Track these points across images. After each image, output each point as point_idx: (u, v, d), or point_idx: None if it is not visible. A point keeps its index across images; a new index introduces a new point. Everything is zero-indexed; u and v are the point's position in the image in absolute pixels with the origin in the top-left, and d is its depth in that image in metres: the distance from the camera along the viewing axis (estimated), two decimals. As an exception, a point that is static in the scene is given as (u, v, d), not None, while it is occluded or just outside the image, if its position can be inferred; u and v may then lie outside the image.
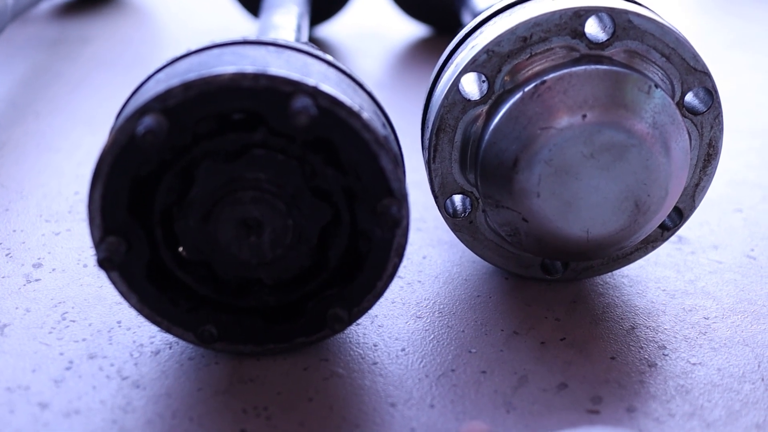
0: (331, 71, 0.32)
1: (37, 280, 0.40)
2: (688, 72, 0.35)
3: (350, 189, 0.32)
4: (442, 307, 0.38)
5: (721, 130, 0.36)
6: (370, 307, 0.33)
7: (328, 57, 0.33)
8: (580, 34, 0.34)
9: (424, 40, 0.76)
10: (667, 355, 0.35)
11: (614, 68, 0.33)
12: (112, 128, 0.33)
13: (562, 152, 0.33)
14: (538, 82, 0.33)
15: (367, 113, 0.31)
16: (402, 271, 0.40)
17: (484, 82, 0.35)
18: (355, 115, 0.30)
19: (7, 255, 0.42)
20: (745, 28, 0.82)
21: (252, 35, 0.47)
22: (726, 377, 0.34)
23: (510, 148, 0.34)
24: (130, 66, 0.69)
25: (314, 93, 0.30)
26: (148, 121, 0.29)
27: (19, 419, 0.31)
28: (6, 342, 0.35)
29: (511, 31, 0.34)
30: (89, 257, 0.42)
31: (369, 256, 0.32)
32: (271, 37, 0.32)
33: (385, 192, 0.31)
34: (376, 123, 0.31)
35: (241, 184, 0.31)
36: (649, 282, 0.40)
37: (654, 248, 0.39)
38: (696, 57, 0.35)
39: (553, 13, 0.34)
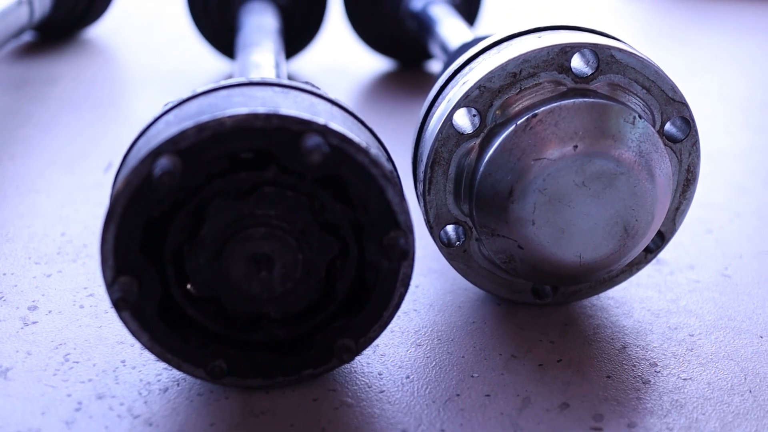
0: (336, 109, 0.33)
1: (34, 323, 0.40)
2: (667, 102, 0.37)
3: (358, 222, 0.33)
4: (440, 334, 0.39)
5: (698, 157, 0.39)
6: (377, 336, 0.34)
7: (331, 96, 0.34)
8: (567, 69, 0.36)
9: (389, 73, 0.78)
10: (658, 371, 0.36)
11: (600, 101, 0.35)
12: (121, 170, 0.33)
13: (555, 181, 0.35)
14: (529, 115, 0.35)
15: (374, 149, 0.32)
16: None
17: (475, 116, 0.37)
18: (363, 152, 0.31)
19: (0, 299, 0.41)
20: (694, 57, 0.86)
21: (256, 76, 0.48)
22: (716, 390, 0.35)
23: (505, 178, 0.35)
24: (98, 105, 0.69)
25: (324, 131, 0.31)
26: (163, 162, 0.30)
27: (35, 462, 0.31)
28: (11, 386, 0.35)
29: (501, 68, 0.36)
30: (84, 298, 0.42)
31: (376, 287, 0.33)
32: (274, 78, 0.34)
33: (392, 225, 0.32)
34: (382, 158, 0.32)
35: (252, 221, 0.32)
36: (634, 303, 0.41)
37: (638, 270, 0.40)
38: (674, 88, 0.37)
39: (541, 49, 0.36)
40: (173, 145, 0.30)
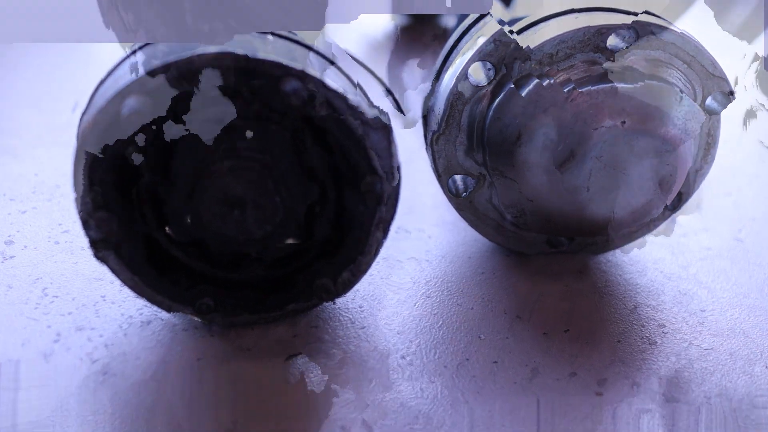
0: (312, 55, 0.32)
1: (11, 257, 0.38)
2: (708, 77, 0.35)
3: (336, 168, 0.32)
4: (449, 285, 0.37)
5: (718, 121, 0.37)
6: (355, 278, 0.33)
7: (308, 42, 0.33)
8: (602, 49, 0.34)
9: (402, 27, 0.76)
10: (666, 333, 0.35)
11: (641, 84, 0.34)
12: (88, 109, 0.31)
13: (610, 149, 0.34)
14: (571, 87, 0.34)
15: (352, 95, 0.31)
16: (412, 250, 0.40)
17: (490, 69, 0.35)
18: (341, 98, 0.30)
19: (-22, 231, 0.40)
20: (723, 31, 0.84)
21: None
22: (738, 360, 0.33)
23: (513, 122, 0.34)
24: (65, 45, 0.67)
25: (302, 77, 0.29)
26: (131, 102, 0.28)
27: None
28: (-7, 317, 0.34)
29: (539, 48, 0.34)
30: (60, 234, 0.40)
31: (351, 231, 0.32)
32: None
33: (369, 170, 0.31)
34: (363, 104, 0.31)
35: (219, 155, 0.30)
36: (648, 262, 0.39)
37: (655, 227, 0.39)
38: (714, 63, 0.35)
39: (577, 31, 0.34)
40: (141, 86, 0.29)
